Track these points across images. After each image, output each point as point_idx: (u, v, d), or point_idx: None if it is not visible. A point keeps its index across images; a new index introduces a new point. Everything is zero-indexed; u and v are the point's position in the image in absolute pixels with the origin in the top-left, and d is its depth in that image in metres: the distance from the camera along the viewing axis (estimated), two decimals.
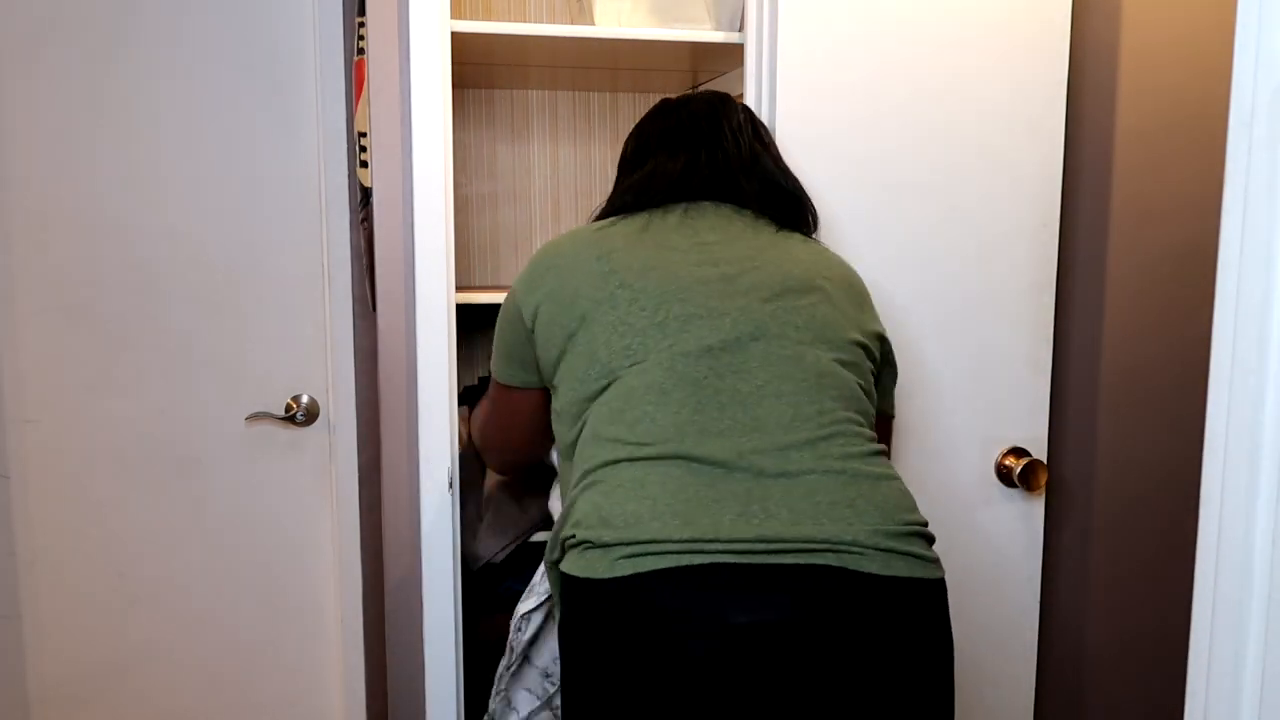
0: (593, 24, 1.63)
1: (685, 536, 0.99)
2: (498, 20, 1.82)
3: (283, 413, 1.88)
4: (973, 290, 1.54)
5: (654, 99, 2.03)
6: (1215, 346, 0.73)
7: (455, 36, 1.47)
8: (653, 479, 1.04)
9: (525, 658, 1.45)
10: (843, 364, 1.14)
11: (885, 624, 1.01)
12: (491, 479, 1.73)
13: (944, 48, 1.48)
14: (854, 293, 1.23)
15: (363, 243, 1.74)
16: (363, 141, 1.60)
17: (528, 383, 1.27)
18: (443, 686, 1.54)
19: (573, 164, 2.01)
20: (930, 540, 1.08)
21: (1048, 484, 1.62)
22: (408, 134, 1.49)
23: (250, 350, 1.87)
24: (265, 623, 1.94)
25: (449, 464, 1.50)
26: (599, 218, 1.29)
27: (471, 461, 1.77)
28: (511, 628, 1.44)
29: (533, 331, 1.20)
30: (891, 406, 1.30)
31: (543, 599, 1.42)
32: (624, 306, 1.13)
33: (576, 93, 2.00)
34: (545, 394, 1.27)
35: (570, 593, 1.04)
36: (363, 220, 1.70)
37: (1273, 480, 0.69)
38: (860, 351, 1.18)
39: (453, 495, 1.51)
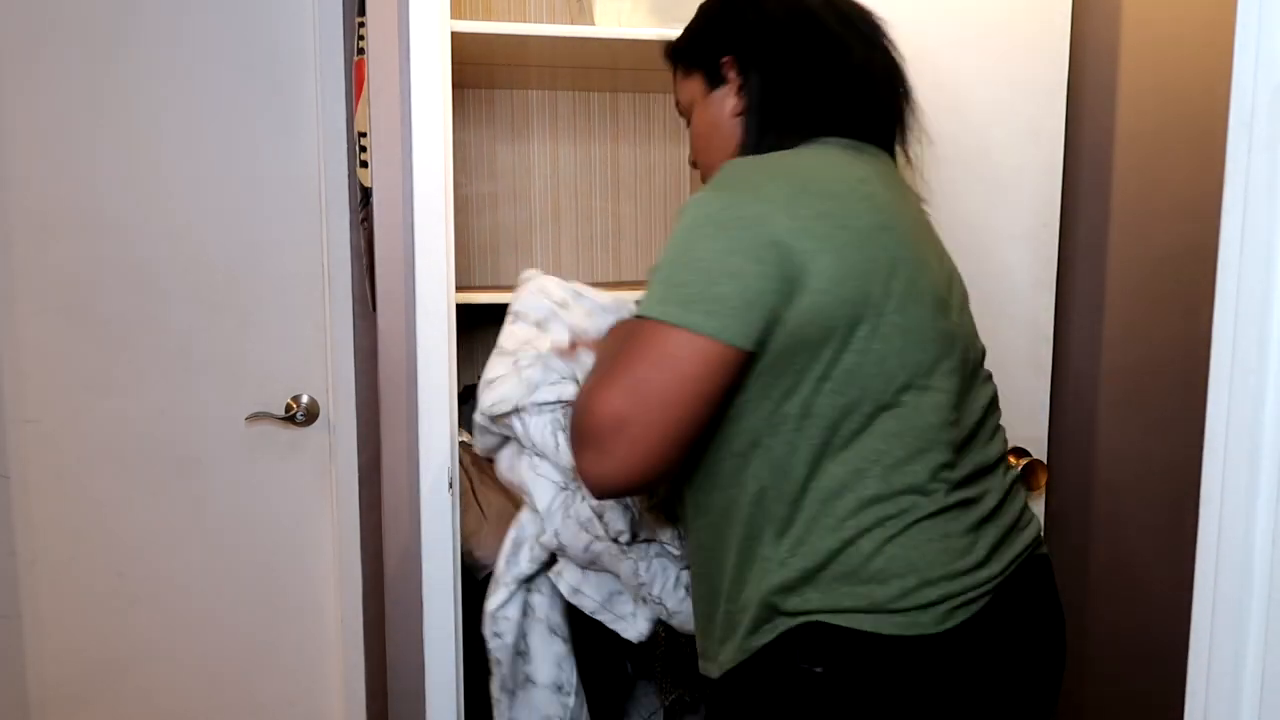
0: (593, 24, 1.63)
1: (987, 575, 0.97)
2: (498, 20, 1.82)
3: (283, 413, 1.88)
4: (972, 290, 1.53)
5: (654, 99, 2.03)
6: (1215, 346, 0.73)
7: (455, 36, 1.48)
8: (938, 525, 0.95)
9: (526, 677, 1.38)
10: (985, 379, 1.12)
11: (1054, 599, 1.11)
12: (486, 486, 1.73)
13: (944, 48, 1.48)
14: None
15: (363, 243, 1.74)
16: (363, 141, 1.60)
17: (740, 335, 0.88)
18: (443, 686, 1.54)
19: (573, 164, 2.01)
20: None
21: (1048, 484, 1.62)
22: (408, 134, 1.49)
23: (250, 350, 1.87)
24: (265, 623, 1.94)
25: (449, 464, 1.50)
26: (754, 145, 1.03)
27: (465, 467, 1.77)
28: (486, 634, 1.36)
29: (798, 287, 0.89)
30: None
31: (513, 588, 1.34)
32: (911, 306, 0.94)
33: (576, 93, 2.00)
34: (742, 359, 0.90)
35: (878, 655, 0.92)
36: (363, 220, 1.70)
37: (1273, 480, 0.69)
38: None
39: (453, 495, 1.51)
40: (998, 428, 1.11)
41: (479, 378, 1.99)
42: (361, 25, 1.60)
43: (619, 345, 0.92)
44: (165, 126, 1.81)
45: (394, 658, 1.60)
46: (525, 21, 1.92)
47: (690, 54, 1.14)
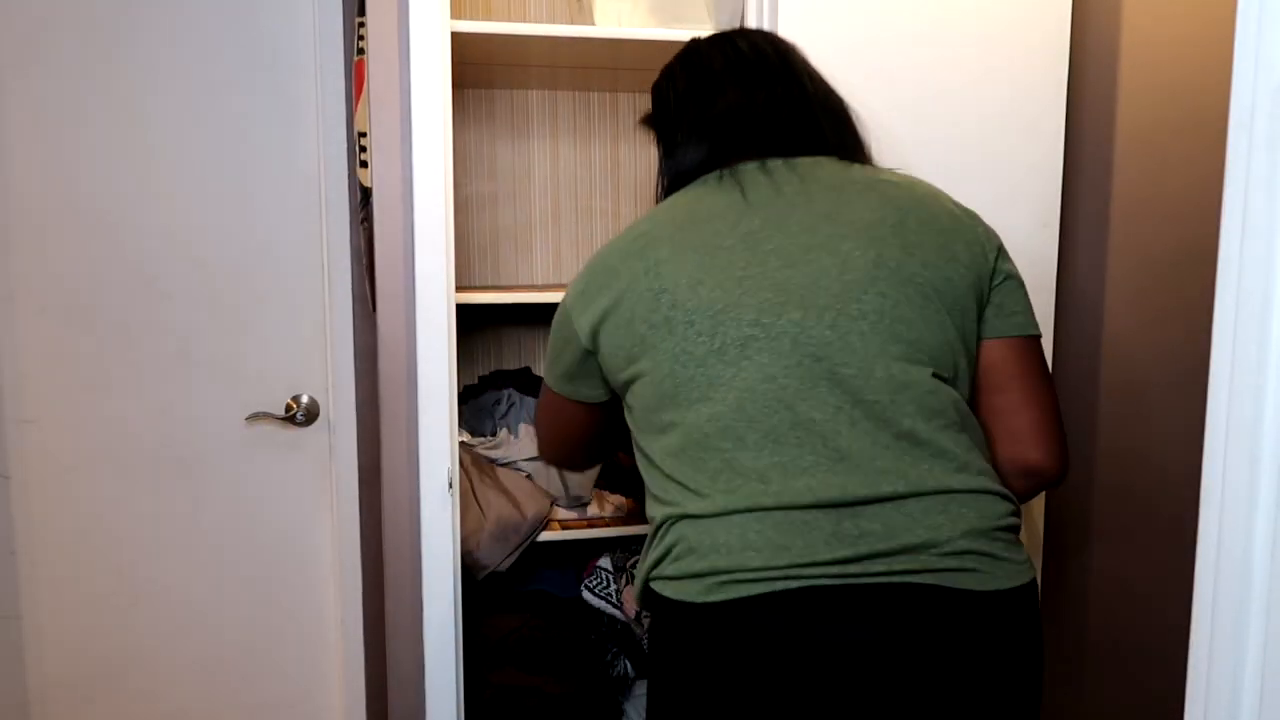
0: (593, 24, 1.63)
1: (780, 563, 0.98)
2: (498, 20, 1.82)
3: (283, 413, 1.88)
4: None
5: None
6: (1215, 346, 0.73)
7: (455, 36, 1.48)
8: (737, 518, 1.02)
9: None
10: (920, 363, 1.04)
11: (983, 641, 1.00)
12: (486, 486, 1.73)
13: (944, 48, 1.48)
14: (934, 222, 1.09)
15: (363, 243, 1.74)
16: (363, 141, 1.60)
17: (588, 397, 1.20)
18: (443, 686, 1.54)
19: (573, 164, 2.01)
20: (1018, 531, 1.06)
21: None
22: (408, 134, 1.49)
23: (250, 350, 1.87)
24: (265, 623, 1.94)
25: (449, 464, 1.50)
26: (665, 190, 1.19)
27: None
28: None
29: (595, 353, 1.13)
30: (1022, 325, 1.11)
31: None
32: (680, 332, 1.05)
33: (576, 93, 2.00)
34: (604, 407, 1.21)
35: (662, 613, 1.05)
36: (363, 220, 1.70)
37: (1273, 480, 0.69)
38: (948, 328, 1.06)
39: (452, 495, 1.51)
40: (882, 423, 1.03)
41: (479, 378, 2.00)
42: (361, 25, 1.60)
43: None
44: (165, 126, 1.81)
45: (394, 658, 1.60)
46: (525, 21, 1.92)
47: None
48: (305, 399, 1.89)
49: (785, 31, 1.43)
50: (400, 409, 1.56)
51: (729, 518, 1.02)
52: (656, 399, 1.07)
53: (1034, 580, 1.05)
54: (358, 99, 1.65)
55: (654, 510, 1.10)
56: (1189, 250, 1.66)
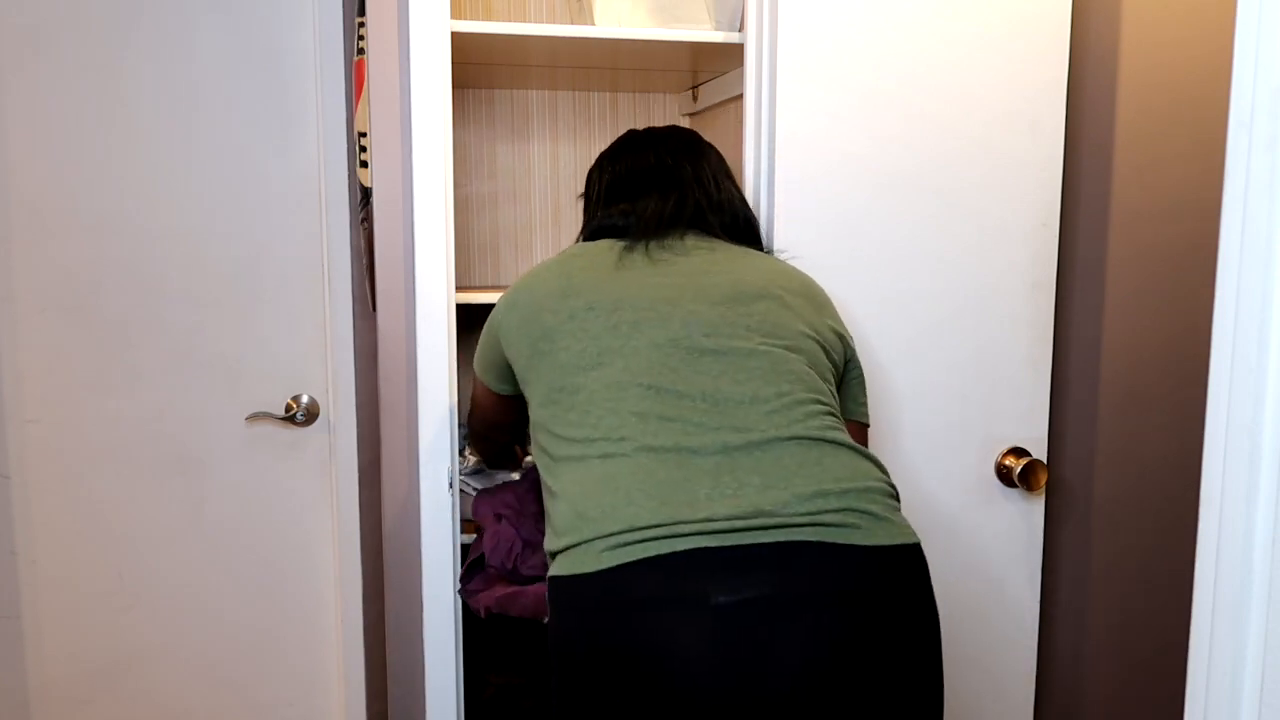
0: (593, 24, 1.63)
1: (662, 520, 1.02)
2: (498, 20, 1.82)
3: (283, 413, 1.88)
4: (972, 290, 1.54)
5: (654, 99, 2.03)
6: (1215, 346, 0.73)
7: (455, 36, 1.48)
8: (623, 471, 1.07)
9: None
10: (796, 354, 1.19)
11: (869, 594, 1.03)
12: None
13: (944, 47, 1.48)
14: (813, 298, 1.29)
15: (363, 243, 1.74)
16: (363, 141, 1.60)
17: (500, 389, 1.35)
18: (443, 686, 1.54)
19: (573, 164, 2.01)
20: (897, 500, 1.12)
21: (1048, 484, 1.62)
22: (408, 134, 1.49)
23: (250, 350, 1.87)
24: (265, 623, 1.94)
25: (449, 464, 1.50)
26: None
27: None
28: None
29: (505, 345, 1.28)
30: (864, 414, 1.33)
31: None
32: (581, 317, 1.19)
33: (576, 93, 2.00)
34: (516, 400, 1.33)
35: (559, 593, 1.07)
36: (363, 220, 1.70)
37: (1273, 480, 0.69)
38: (815, 345, 1.22)
39: (453, 495, 1.51)
40: (765, 400, 1.13)
41: None
42: (361, 25, 1.60)
43: None
44: (165, 126, 1.81)
45: (394, 658, 1.61)
46: (525, 21, 1.92)
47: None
48: (305, 399, 1.89)
49: (784, 30, 1.43)
50: (400, 409, 1.56)
51: (611, 479, 1.06)
52: (556, 375, 1.17)
53: (918, 544, 1.08)
54: (358, 99, 1.65)
55: (547, 506, 1.15)
56: (1188, 250, 1.67)
